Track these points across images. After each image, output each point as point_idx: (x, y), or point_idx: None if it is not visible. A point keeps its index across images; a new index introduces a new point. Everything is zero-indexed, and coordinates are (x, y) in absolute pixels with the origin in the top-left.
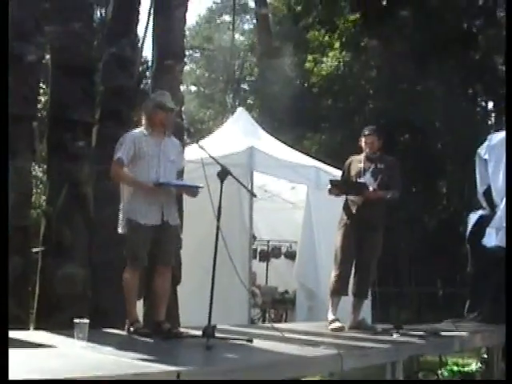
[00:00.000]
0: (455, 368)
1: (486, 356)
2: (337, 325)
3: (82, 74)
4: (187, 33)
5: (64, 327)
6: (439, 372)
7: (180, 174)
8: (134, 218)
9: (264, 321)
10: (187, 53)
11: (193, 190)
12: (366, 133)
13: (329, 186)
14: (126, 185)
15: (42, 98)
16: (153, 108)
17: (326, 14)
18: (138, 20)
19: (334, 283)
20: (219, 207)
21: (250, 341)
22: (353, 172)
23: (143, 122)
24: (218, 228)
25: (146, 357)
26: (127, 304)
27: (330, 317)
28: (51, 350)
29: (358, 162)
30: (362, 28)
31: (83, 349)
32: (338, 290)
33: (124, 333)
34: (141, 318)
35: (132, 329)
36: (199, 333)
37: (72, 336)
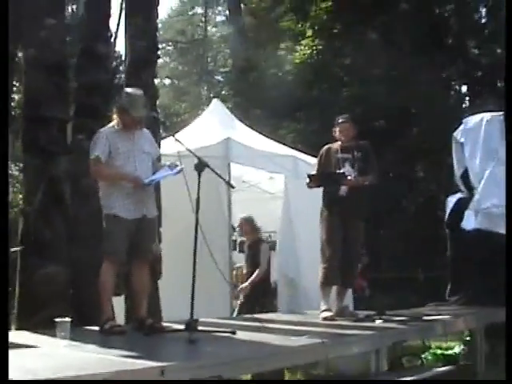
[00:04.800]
0: (438, 351)
1: (468, 338)
2: (327, 314)
3: (56, 70)
4: (160, 26)
5: (46, 327)
6: (423, 356)
7: (158, 160)
8: (112, 212)
9: (247, 312)
10: (160, 46)
11: (176, 173)
12: (340, 120)
13: (307, 180)
14: (108, 181)
15: (16, 96)
16: (120, 110)
17: (298, 2)
18: (110, 14)
19: (324, 275)
20: (197, 199)
21: (234, 333)
22: (330, 163)
23: (114, 117)
24: (197, 220)
25: (129, 353)
26: (102, 300)
27: (323, 307)
28: (34, 350)
29: (334, 152)
30: (334, 15)
31: (66, 348)
32: (330, 281)
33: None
34: (123, 315)
35: (106, 327)
36: (182, 327)
37: (54, 335)
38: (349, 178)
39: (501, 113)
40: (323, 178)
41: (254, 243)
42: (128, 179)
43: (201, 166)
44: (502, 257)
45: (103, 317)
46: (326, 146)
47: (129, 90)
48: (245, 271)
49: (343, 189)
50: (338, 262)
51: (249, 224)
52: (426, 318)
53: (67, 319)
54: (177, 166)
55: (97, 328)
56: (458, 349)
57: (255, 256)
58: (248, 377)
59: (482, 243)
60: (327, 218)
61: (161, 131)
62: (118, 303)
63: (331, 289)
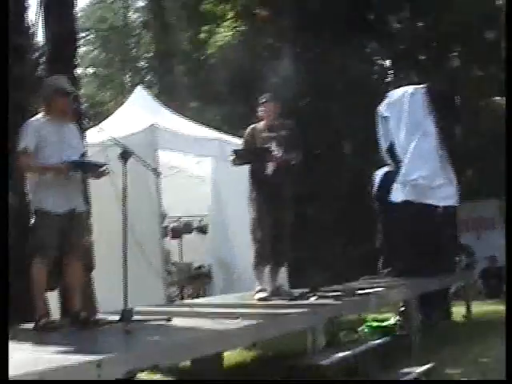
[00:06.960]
0: (375, 324)
1: (403, 309)
2: (261, 295)
3: None
4: (80, 14)
5: None
6: (359, 329)
7: (83, 155)
8: (40, 207)
9: (182, 298)
10: (82, 35)
11: (99, 171)
12: (264, 100)
13: (232, 156)
14: (34, 174)
15: None
16: (52, 93)
17: None
18: (27, 5)
19: (257, 255)
20: (124, 189)
21: (169, 320)
22: (257, 143)
23: (42, 108)
24: (124, 210)
25: (65, 349)
26: (35, 297)
27: (257, 287)
28: None
29: (259, 131)
30: None
31: None
32: (262, 261)
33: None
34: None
35: (40, 323)
36: (117, 318)
37: None
38: (274, 153)
39: (423, 85)
40: (248, 154)
41: None
42: (55, 169)
43: (126, 155)
44: (430, 227)
45: (37, 313)
46: (252, 126)
47: (54, 76)
48: None
49: (270, 168)
50: (269, 241)
51: None
52: (360, 291)
53: None
54: (103, 165)
55: (31, 325)
56: (393, 320)
57: None
58: (187, 363)
59: (410, 215)
60: (255, 198)
61: (85, 121)
62: (54, 298)
63: (265, 269)
